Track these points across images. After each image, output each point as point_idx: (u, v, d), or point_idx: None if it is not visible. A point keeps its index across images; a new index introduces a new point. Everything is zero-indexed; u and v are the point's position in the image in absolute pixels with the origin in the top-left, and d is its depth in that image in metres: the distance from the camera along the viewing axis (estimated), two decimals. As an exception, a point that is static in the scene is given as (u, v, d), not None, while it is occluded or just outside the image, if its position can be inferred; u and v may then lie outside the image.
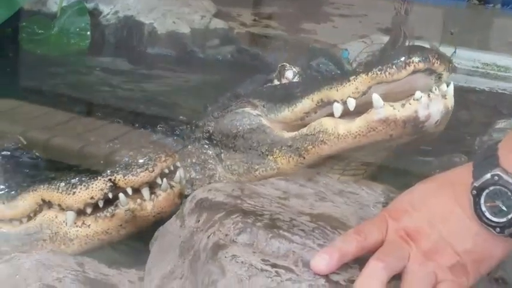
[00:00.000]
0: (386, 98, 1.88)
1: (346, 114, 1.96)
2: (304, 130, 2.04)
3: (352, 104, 1.91)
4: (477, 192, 1.23)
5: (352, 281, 1.21)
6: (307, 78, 2.42)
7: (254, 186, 1.53)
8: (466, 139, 3.57)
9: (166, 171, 1.68)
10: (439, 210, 1.27)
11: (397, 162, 2.35)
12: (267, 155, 2.09)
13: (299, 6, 5.65)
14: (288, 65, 2.42)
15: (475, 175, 1.25)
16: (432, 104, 1.87)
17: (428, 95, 1.86)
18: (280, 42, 4.89)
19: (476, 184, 1.24)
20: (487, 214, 1.23)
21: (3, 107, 3.02)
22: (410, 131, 1.86)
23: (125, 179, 1.61)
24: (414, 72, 1.81)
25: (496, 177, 1.22)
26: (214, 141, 2.25)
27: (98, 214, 1.66)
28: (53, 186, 1.68)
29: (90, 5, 4.99)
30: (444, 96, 1.88)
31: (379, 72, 1.85)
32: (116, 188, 1.62)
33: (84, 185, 1.64)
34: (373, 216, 1.42)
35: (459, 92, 4.31)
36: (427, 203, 1.28)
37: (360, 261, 1.25)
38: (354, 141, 1.92)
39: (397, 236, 1.26)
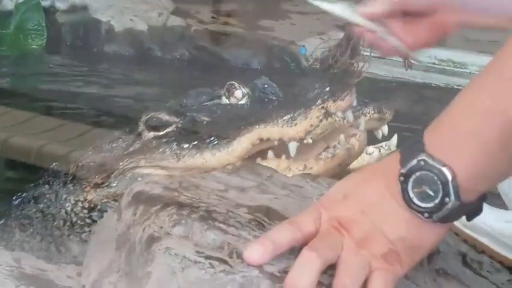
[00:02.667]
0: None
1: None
2: None
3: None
4: (404, 179, 1.23)
5: (287, 272, 1.20)
6: (259, 104, 2.40)
7: (194, 179, 1.52)
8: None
9: None
10: (371, 198, 1.27)
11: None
12: None
13: (258, 4, 5.66)
14: (236, 84, 2.41)
15: (402, 162, 1.25)
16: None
17: (379, 150, 2.02)
18: (239, 39, 4.90)
19: (403, 170, 1.24)
20: (415, 200, 1.23)
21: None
22: None
23: (335, 104, 1.80)
24: (369, 120, 1.97)
25: (422, 163, 1.22)
26: None
27: (320, 156, 1.82)
28: (271, 123, 1.84)
29: (46, 3, 4.97)
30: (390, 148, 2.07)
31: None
32: (327, 114, 1.80)
33: (303, 116, 1.80)
34: (311, 207, 1.42)
35: (416, 88, 4.37)
36: (359, 192, 1.28)
37: (294, 252, 1.24)
38: None
39: (330, 226, 1.26)
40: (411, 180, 1.23)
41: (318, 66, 4.20)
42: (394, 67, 4.31)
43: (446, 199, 1.21)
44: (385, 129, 2.13)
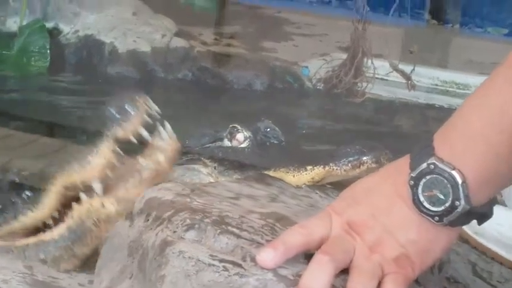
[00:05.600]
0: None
1: None
2: None
3: None
4: (414, 182, 1.24)
5: (300, 275, 1.20)
6: (260, 148, 2.40)
7: (204, 187, 1.53)
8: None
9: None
10: (381, 202, 1.27)
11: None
12: None
13: (260, 26, 5.69)
14: (239, 127, 2.40)
15: (412, 165, 1.25)
16: None
17: None
18: (241, 60, 4.92)
19: (413, 174, 1.24)
20: (425, 203, 1.23)
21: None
22: None
23: (122, 129, 1.67)
24: (367, 169, 1.94)
25: (432, 166, 1.22)
26: None
27: (127, 185, 1.70)
28: (69, 170, 1.72)
29: (50, 24, 4.99)
30: None
31: (335, 168, 1.94)
32: (118, 141, 1.67)
33: (94, 152, 1.68)
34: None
35: (419, 108, 4.38)
36: (369, 196, 1.29)
37: (308, 256, 1.24)
38: None
39: (341, 230, 1.26)
40: (421, 184, 1.24)
41: (321, 87, 4.20)
42: (397, 88, 4.32)
43: (457, 202, 1.21)
44: None
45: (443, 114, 4.32)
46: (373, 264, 1.23)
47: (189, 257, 1.23)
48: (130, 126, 1.68)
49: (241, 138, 2.41)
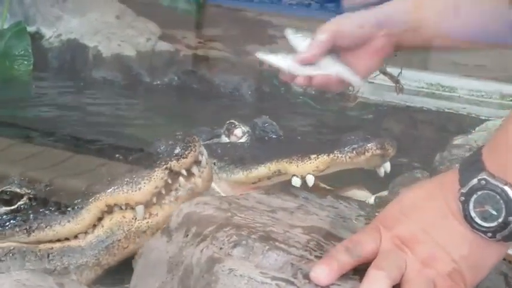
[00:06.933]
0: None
1: None
2: None
3: (311, 180, 1.94)
4: (465, 198, 1.22)
5: (354, 292, 1.18)
6: (260, 142, 2.36)
7: (238, 200, 1.50)
8: (420, 156, 3.60)
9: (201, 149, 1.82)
10: (431, 216, 1.25)
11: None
12: None
13: (243, 29, 5.65)
14: (236, 123, 2.37)
15: (461, 181, 1.23)
16: None
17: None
18: (228, 64, 4.88)
19: (463, 190, 1.22)
20: (477, 219, 1.21)
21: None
22: None
23: (179, 163, 1.73)
24: (371, 156, 1.90)
25: (483, 182, 1.21)
26: None
27: (163, 201, 1.73)
28: (117, 190, 1.74)
29: (31, 28, 4.92)
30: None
31: (340, 155, 1.91)
32: (171, 173, 1.73)
33: (147, 179, 1.72)
34: (359, 228, 1.41)
35: (407, 111, 4.37)
36: (418, 211, 1.27)
37: (358, 272, 1.22)
38: None
39: (392, 245, 1.24)
40: (472, 199, 1.22)
41: (312, 90, 4.18)
42: (385, 91, 4.31)
43: (510, 218, 1.20)
44: (387, 166, 2.10)
45: (432, 116, 4.33)
46: (426, 279, 1.21)
47: (241, 275, 1.20)
48: (186, 162, 1.74)
49: (240, 133, 2.38)
